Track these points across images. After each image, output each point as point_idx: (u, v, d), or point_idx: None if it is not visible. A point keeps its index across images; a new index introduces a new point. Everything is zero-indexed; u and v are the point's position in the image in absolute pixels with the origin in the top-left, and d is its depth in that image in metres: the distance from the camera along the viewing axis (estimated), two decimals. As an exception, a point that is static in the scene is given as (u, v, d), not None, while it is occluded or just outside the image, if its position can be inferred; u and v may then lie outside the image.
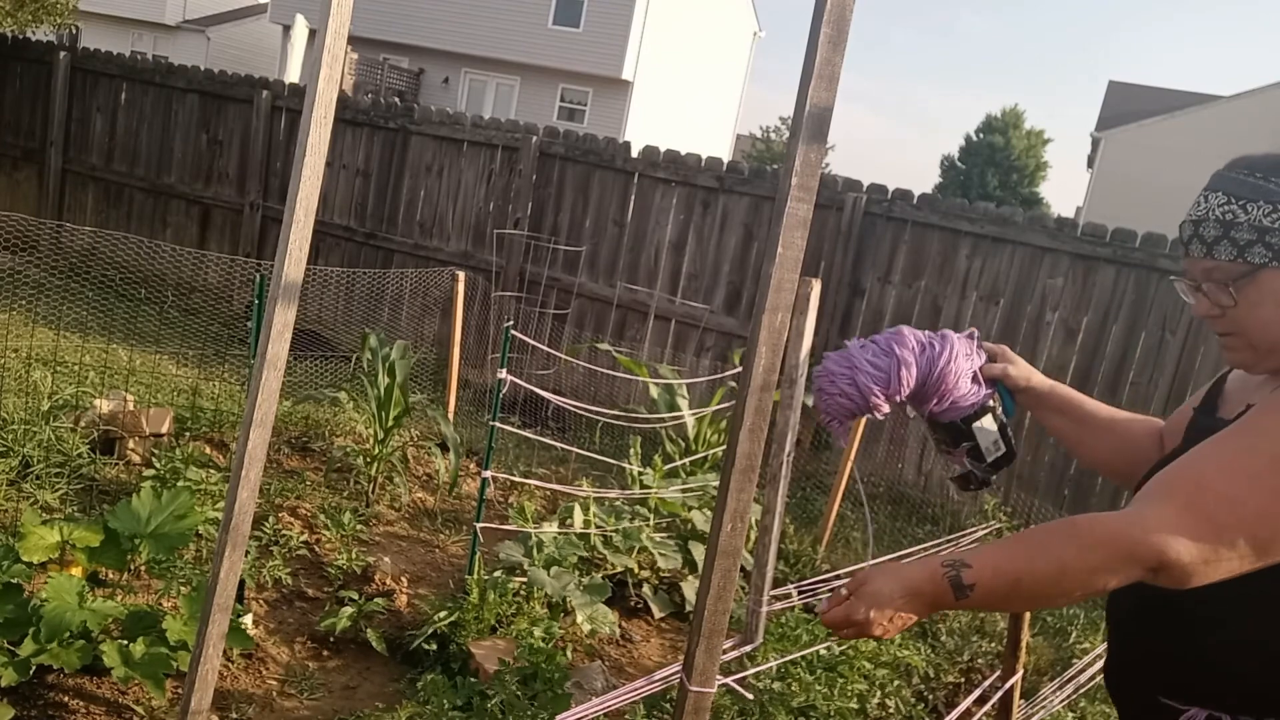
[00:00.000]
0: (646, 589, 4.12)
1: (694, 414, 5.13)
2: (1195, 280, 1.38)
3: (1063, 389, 1.73)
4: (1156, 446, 1.62)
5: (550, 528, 4.09)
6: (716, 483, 4.66)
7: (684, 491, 4.52)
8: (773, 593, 3.69)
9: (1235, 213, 1.30)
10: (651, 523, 4.34)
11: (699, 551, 4.27)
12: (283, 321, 1.76)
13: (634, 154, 7.26)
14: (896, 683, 3.57)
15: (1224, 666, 1.33)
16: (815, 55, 0.96)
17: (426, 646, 3.30)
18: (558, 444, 4.99)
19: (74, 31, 9.70)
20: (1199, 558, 1.19)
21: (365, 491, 4.69)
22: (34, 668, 2.59)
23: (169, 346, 6.80)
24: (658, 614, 4.07)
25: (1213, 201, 1.34)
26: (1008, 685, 2.69)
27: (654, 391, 5.21)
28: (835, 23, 0.96)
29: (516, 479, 4.89)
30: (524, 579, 3.69)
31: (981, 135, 32.71)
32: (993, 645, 4.13)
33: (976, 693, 2.76)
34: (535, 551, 3.86)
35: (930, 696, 3.68)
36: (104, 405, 4.55)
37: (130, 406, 4.59)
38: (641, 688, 2.21)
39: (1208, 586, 1.22)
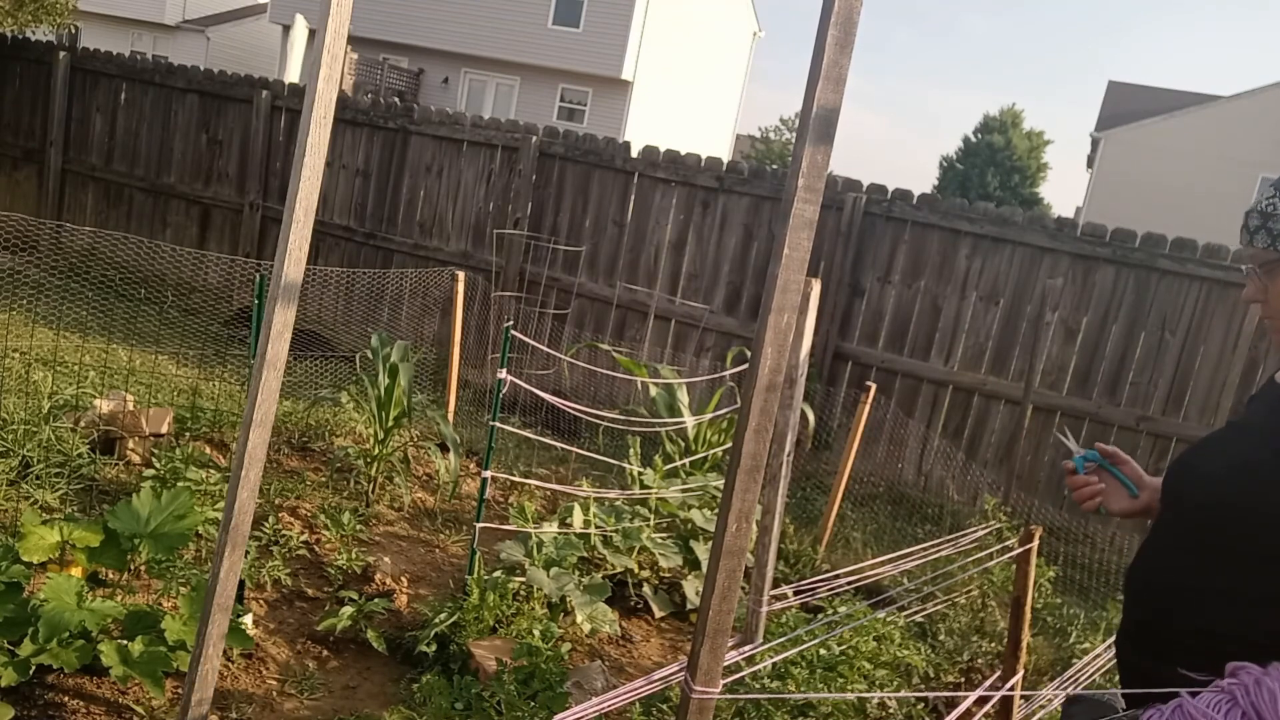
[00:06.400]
0: (646, 589, 4.12)
1: (695, 420, 5.13)
2: (1251, 266, 1.52)
3: None
4: None
5: (550, 528, 4.08)
6: (716, 482, 4.66)
7: (684, 491, 4.52)
8: (772, 593, 3.69)
9: (1276, 205, 1.44)
10: (652, 522, 4.34)
11: (700, 550, 4.27)
12: (283, 321, 1.76)
13: (634, 154, 7.26)
14: (896, 683, 3.56)
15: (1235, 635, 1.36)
16: (822, 57, 0.96)
17: (426, 648, 3.30)
18: (558, 444, 4.99)
19: (74, 31, 9.68)
20: None
21: (365, 491, 4.69)
22: (33, 667, 2.59)
23: (169, 346, 6.80)
24: (658, 613, 4.07)
25: (1264, 193, 1.48)
26: (1008, 685, 2.69)
27: (654, 391, 5.22)
28: (842, 25, 0.96)
29: (516, 479, 4.89)
30: (524, 579, 3.69)
31: (980, 136, 32.68)
32: (993, 645, 4.13)
33: (977, 693, 2.76)
34: (535, 551, 3.86)
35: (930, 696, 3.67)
36: (104, 405, 4.55)
37: (130, 406, 4.59)
38: (641, 688, 2.20)
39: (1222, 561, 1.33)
